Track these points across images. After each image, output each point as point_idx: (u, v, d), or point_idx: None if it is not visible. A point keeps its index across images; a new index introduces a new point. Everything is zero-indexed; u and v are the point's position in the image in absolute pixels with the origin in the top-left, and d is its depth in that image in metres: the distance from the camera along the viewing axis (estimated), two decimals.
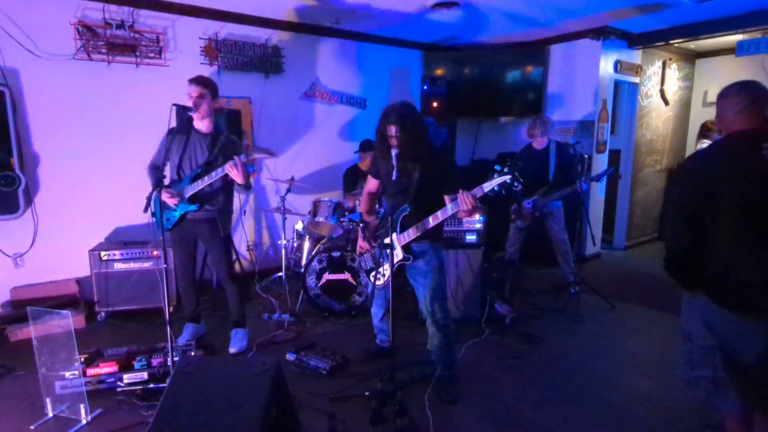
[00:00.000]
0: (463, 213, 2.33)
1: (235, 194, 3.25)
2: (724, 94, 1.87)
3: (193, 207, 3.02)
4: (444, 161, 2.63)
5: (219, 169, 2.87)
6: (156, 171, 3.08)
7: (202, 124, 3.03)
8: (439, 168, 2.55)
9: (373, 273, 2.79)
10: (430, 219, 2.46)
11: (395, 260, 2.59)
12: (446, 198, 2.50)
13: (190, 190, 2.98)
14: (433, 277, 2.64)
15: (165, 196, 2.93)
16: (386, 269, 2.63)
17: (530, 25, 4.97)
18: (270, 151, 3.01)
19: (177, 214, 3.06)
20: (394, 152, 2.49)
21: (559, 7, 4.42)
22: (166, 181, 3.09)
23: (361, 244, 2.82)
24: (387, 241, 2.58)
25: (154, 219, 2.75)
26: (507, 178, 2.23)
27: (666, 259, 1.89)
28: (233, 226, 3.56)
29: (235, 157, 2.81)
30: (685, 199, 1.82)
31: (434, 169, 2.52)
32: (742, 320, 1.73)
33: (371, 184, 2.91)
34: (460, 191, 2.30)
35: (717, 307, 1.76)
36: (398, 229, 2.57)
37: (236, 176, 2.84)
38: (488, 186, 2.27)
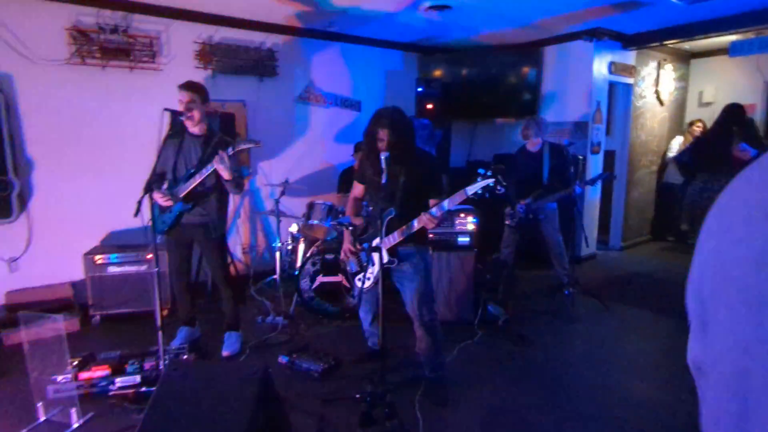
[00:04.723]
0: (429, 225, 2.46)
1: (230, 197, 3.28)
2: None
3: (188, 206, 3.05)
4: (430, 166, 2.66)
5: (209, 165, 2.91)
6: (160, 179, 3.09)
7: (195, 128, 3.07)
8: (424, 173, 2.58)
9: (358, 276, 2.81)
10: (415, 223, 2.48)
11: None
12: (431, 202, 2.52)
13: (184, 189, 3.01)
14: (420, 281, 2.65)
15: (158, 197, 2.96)
16: (372, 272, 2.64)
17: (519, 24, 4.93)
18: (254, 141, 3.05)
19: (173, 215, 3.08)
20: (383, 156, 2.50)
21: (541, 6, 4.37)
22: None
23: (347, 247, 2.83)
24: (373, 244, 2.59)
25: (150, 223, 2.78)
26: (490, 181, 2.29)
27: None
28: (228, 228, 3.61)
29: (220, 152, 2.84)
30: None
31: (420, 174, 2.56)
32: None
33: (357, 189, 2.93)
34: (422, 214, 2.42)
35: None
36: (383, 233, 2.58)
37: (222, 171, 2.88)
38: (471, 189, 2.32)
